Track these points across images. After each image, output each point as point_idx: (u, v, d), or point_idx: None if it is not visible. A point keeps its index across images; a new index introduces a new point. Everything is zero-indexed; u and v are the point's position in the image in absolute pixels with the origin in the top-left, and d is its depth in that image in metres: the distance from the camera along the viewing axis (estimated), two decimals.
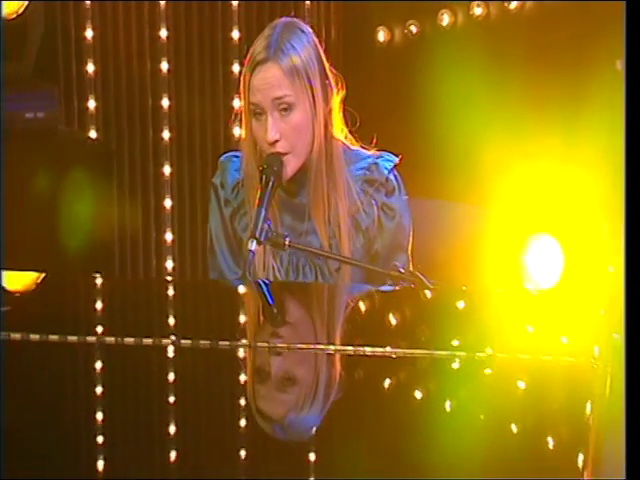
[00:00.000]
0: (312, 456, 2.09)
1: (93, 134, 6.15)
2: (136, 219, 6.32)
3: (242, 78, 3.52)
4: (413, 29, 6.86)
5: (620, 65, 6.05)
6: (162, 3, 6.24)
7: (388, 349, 2.64)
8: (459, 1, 6.89)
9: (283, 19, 3.62)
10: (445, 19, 6.85)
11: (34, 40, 5.82)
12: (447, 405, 2.39)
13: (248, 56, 3.49)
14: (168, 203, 6.29)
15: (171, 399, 2.53)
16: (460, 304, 3.48)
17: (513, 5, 6.61)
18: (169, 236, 6.35)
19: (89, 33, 6.16)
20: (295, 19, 3.69)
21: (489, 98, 5.97)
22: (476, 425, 2.19)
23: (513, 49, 6.42)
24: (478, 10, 6.61)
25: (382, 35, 6.95)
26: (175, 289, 4.27)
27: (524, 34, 6.58)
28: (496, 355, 2.68)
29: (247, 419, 2.38)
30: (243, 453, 2.13)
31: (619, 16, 6.12)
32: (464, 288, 3.79)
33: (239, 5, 6.37)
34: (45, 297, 3.85)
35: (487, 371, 2.67)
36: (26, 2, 5.71)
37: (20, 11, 5.67)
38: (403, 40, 6.96)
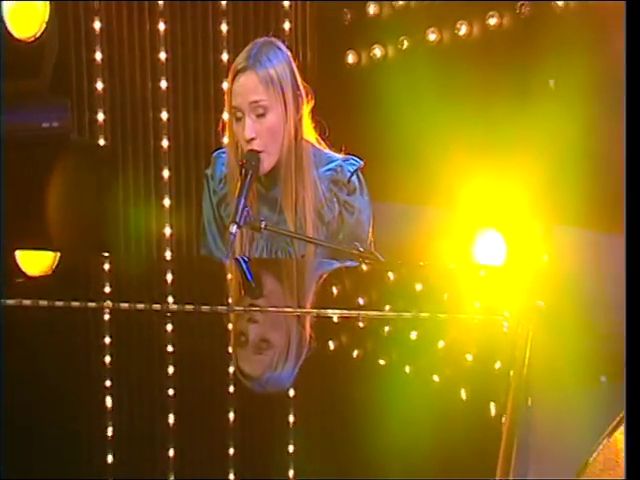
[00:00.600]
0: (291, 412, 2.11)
1: (102, 142, 6.29)
2: (139, 214, 6.54)
3: (227, 87, 3.66)
4: (377, 52, 7.14)
5: (552, 83, 6.27)
6: (162, 29, 6.44)
7: (344, 312, 2.76)
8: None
9: (264, 38, 3.77)
10: (404, 43, 7.06)
11: (50, 59, 5.91)
12: (390, 356, 2.58)
13: (232, 67, 3.62)
14: (167, 202, 6.51)
15: (170, 349, 2.68)
16: (416, 280, 3.54)
17: (462, 32, 6.93)
18: (167, 230, 6.54)
19: (98, 55, 6.30)
20: (273, 38, 3.81)
21: (441, 113, 6.06)
22: (408, 372, 2.41)
23: (462, 71, 6.59)
24: (432, 36, 6.92)
25: (351, 57, 7.20)
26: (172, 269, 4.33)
27: (473, 57, 6.80)
28: (435, 315, 2.75)
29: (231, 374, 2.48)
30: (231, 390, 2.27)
31: (557, 43, 6.38)
32: (422, 264, 3.95)
33: (228, 31, 6.61)
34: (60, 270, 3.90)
35: (437, 333, 2.71)
36: (44, 25, 5.80)
37: (38, 34, 5.77)
38: (369, 62, 7.18)
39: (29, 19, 5.82)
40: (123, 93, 6.38)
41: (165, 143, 6.40)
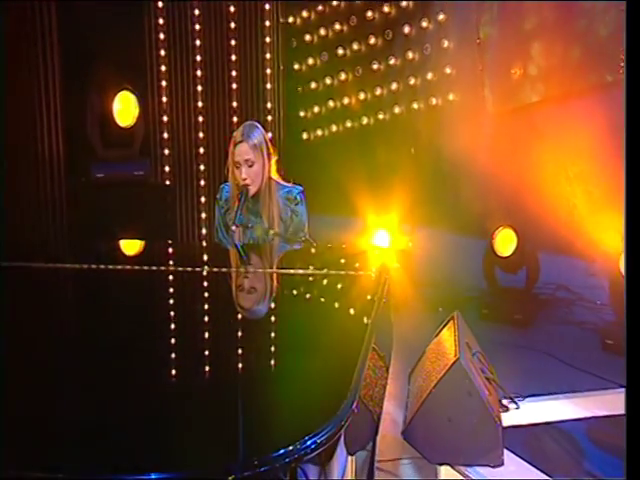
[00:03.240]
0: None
1: (167, 183, 6.74)
2: (187, 222, 6.85)
3: (230, 150, 3.62)
4: (319, 133, 7.39)
5: (413, 151, 6.79)
6: (200, 105, 6.70)
7: (299, 270, 2.98)
8: None
9: (249, 121, 3.77)
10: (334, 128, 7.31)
11: (139, 137, 6.05)
12: (314, 292, 2.79)
13: (232, 139, 3.62)
14: (203, 215, 6.87)
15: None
16: (330, 254, 3.63)
17: (380, 117, 7.22)
18: (204, 230, 6.87)
19: (165, 135, 6.68)
20: (255, 122, 3.78)
21: (349, 166, 6.36)
22: (323, 300, 2.66)
23: (372, 145, 6.93)
24: (359, 122, 7.18)
25: (305, 135, 7.49)
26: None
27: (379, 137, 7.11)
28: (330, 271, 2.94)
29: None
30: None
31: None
32: (344, 246, 4.01)
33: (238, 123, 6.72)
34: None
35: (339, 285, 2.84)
36: (135, 119, 5.98)
37: (132, 124, 5.96)
38: (318, 138, 7.45)
39: (128, 115, 5.95)
40: (179, 155, 6.75)
41: (202, 182, 6.84)
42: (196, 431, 1.54)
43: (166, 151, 6.61)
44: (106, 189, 5.79)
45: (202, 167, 6.71)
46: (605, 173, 5.20)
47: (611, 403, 3.89)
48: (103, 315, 2.48)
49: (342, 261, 3.37)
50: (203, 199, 6.72)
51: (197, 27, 6.54)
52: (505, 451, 3.17)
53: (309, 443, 1.40)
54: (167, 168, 6.62)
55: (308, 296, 2.76)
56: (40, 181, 5.47)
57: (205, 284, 2.94)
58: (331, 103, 7.21)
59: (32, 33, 5.49)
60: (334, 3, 6.99)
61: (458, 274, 6.45)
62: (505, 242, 6.20)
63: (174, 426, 1.59)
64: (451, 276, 6.45)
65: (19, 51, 5.48)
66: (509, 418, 3.52)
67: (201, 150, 6.70)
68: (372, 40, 6.90)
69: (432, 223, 6.64)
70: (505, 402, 3.61)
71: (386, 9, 6.68)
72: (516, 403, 3.65)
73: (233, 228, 3.65)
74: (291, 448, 1.37)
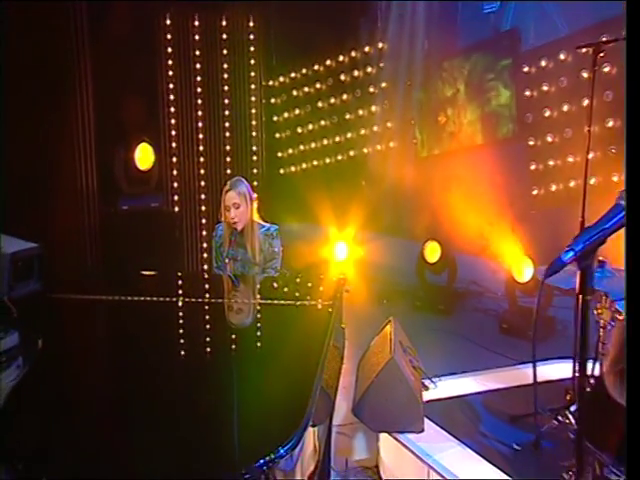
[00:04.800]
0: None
1: (176, 209, 6.60)
2: (192, 248, 6.70)
3: (222, 198, 3.48)
4: (292, 169, 7.34)
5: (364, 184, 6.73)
6: (201, 149, 6.59)
7: (275, 301, 2.85)
8: None
9: (236, 177, 3.63)
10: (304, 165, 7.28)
11: (154, 178, 6.03)
12: (278, 317, 2.66)
13: (224, 190, 3.49)
14: (204, 232, 6.65)
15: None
16: (292, 283, 3.36)
17: (339, 158, 7.18)
18: (204, 255, 6.60)
19: (175, 172, 6.61)
20: (241, 177, 3.61)
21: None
22: (287, 319, 2.60)
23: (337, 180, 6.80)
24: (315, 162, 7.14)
25: (282, 170, 7.43)
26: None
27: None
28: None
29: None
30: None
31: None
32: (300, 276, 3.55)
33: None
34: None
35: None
36: (152, 163, 5.88)
37: (149, 168, 5.89)
38: (291, 173, 7.39)
39: (146, 161, 5.88)
40: (185, 187, 6.64)
41: (203, 208, 6.73)
42: (191, 443, 1.53)
43: (175, 184, 6.56)
44: (130, 217, 5.77)
45: (203, 196, 6.65)
46: (501, 203, 5.41)
47: (501, 378, 3.94)
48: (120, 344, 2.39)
49: (309, 285, 3.25)
50: (204, 221, 6.63)
51: (199, 90, 6.50)
52: (425, 420, 3.32)
53: (282, 452, 1.48)
54: (176, 197, 6.56)
55: (273, 321, 2.68)
56: (78, 213, 5.40)
57: (202, 313, 2.79)
58: (302, 147, 7.36)
59: (72, 92, 5.38)
60: (303, 71, 7.15)
61: (398, 274, 6.50)
62: (432, 251, 6.32)
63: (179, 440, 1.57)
64: (392, 276, 6.49)
65: (62, 105, 5.34)
66: (429, 394, 3.66)
67: (202, 183, 6.65)
68: (332, 100, 7.06)
69: (379, 235, 6.60)
70: (426, 383, 3.74)
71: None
72: (434, 383, 3.80)
73: (226, 260, 3.55)
74: (270, 457, 1.44)
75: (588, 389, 2.48)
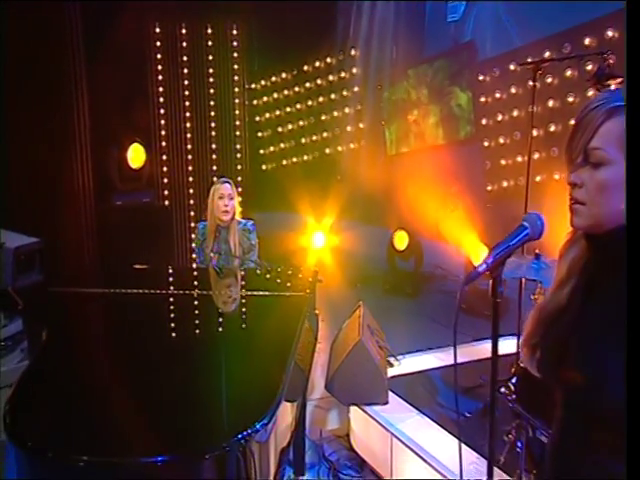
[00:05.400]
0: None
1: (167, 203, 6.54)
2: (181, 240, 6.59)
3: (214, 188, 3.47)
4: (264, 167, 7.32)
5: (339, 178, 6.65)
6: (189, 147, 6.54)
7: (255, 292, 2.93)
8: None
9: (223, 177, 3.62)
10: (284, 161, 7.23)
11: (145, 175, 5.99)
12: (261, 305, 2.75)
13: (219, 182, 3.48)
14: (192, 224, 6.42)
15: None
16: (272, 275, 3.37)
17: (305, 158, 7.18)
18: (193, 245, 6.28)
19: (165, 169, 6.57)
20: (227, 178, 3.59)
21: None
22: (268, 308, 2.66)
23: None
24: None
25: (264, 166, 7.34)
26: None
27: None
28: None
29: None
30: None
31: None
32: (279, 268, 3.51)
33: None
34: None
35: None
36: (143, 162, 5.87)
37: (141, 166, 5.86)
38: (273, 169, 7.37)
39: (138, 160, 5.86)
40: (174, 183, 6.57)
41: (192, 201, 6.66)
42: (180, 419, 1.61)
43: (165, 180, 6.53)
44: (124, 212, 5.75)
45: (191, 191, 6.62)
46: (461, 196, 5.52)
47: (458, 354, 4.00)
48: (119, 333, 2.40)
49: (286, 277, 3.30)
50: (192, 213, 6.60)
51: (186, 93, 6.47)
52: (390, 393, 3.39)
53: (258, 426, 1.60)
54: (166, 192, 6.53)
55: (256, 309, 2.74)
56: (76, 209, 5.37)
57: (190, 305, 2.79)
58: (282, 145, 7.39)
59: (69, 97, 5.33)
60: (283, 75, 7.16)
61: (370, 261, 6.57)
62: (400, 240, 6.45)
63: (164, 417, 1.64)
64: (365, 262, 6.56)
65: (59, 109, 5.30)
66: (393, 371, 3.74)
67: (190, 179, 6.63)
68: (309, 102, 7.09)
69: (352, 225, 6.65)
70: (391, 360, 3.83)
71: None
72: (398, 360, 3.89)
73: (211, 255, 3.52)
74: (247, 432, 1.55)
75: (521, 364, 2.61)
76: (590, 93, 4.13)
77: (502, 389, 3.04)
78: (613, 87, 2.67)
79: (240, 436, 1.56)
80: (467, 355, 3.83)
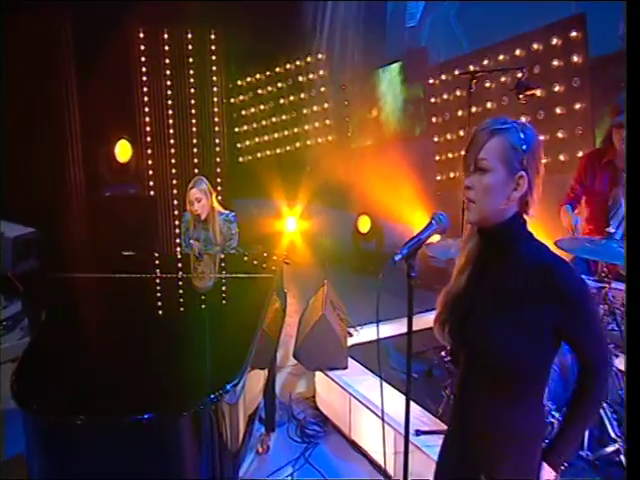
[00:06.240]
0: None
1: (152, 193, 6.50)
2: (166, 227, 6.57)
3: (187, 194, 3.46)
4: (252, 157, 7.25)
5: (308, 169, 6.64)
6: (172, 142, 6.52)
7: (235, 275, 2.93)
8: None
9: (198, 177, 3.56)
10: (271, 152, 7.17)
11: (132, 168, 5.97)
12: (238, 286, 2.73)
13: (188, 188, 3.46)
14: (176, 212, 6.50)
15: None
16: (248, 258, 3.37)
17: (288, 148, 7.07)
18: (177, 230, 5.92)
19: (150, 162, 6.51)
20: (202, 176, 3.57)
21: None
22: (244, 288, 2.63)
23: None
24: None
25: (240, 159, 7.22)
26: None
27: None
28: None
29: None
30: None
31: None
32: (253, 251, 3.51)
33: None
34: None
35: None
36: (129, 157, 5.85)
37: (128, 160, 5.87)
38: (248, 161, 7.21)
39: (125, 154, 5.89)
40: (159, 175, 6.58)
41: (175, 192, 6.64)
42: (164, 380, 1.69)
43: (150, 173, 6.49)
44: (112, 202, 5.74)
45: (174, 182, 6.57)
46: (415, 185, 5.63)
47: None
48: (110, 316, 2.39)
49: (257, 259, 3.32)
50: (175, 202, 6.57)
51: (169, 92, 6.46)
52: (349, 360, 3.47)
53: (228, 387, 1.71)
54: (151, 183, 6.49)
55: (234, 289, 2.75)
56: (69, 200, 5.44)
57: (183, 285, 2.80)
58: (257, 139, 7.34)
59: (61, 98, 5.40)
60: (257, 76, 7.12)
61: (337, 243, 6.66)
62: (363, 223, 6.59)
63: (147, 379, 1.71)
64: (332, 244, 6.63)
65: (52, 110, 5.37)
66: (353, 340, 3.79)
67: (173, 171, 6.58)
68: (281, 100, 7.07)
69: (321, 211, 6.68)
70: (351, 331, 3.89)
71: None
72: (357, 331, 3.94)
73: (192, 242, 3.52)
74: (218, 392, 1.65)
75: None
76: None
77: (443, 353, 3.22)
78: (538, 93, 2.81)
79: (212, 396, 1.66)
80: (416, 324, 3.99)
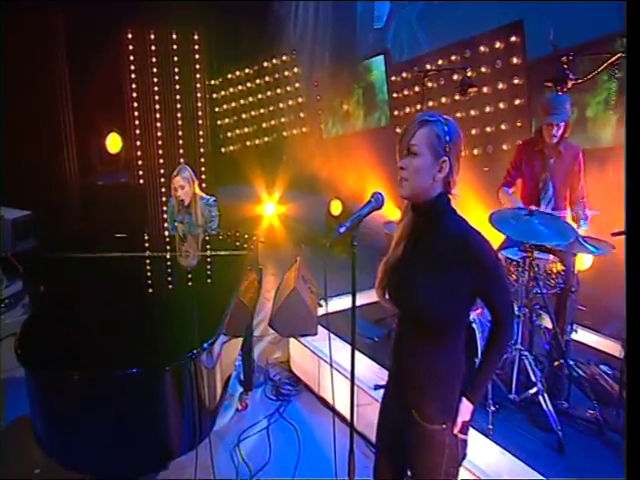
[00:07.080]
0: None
1: (141, 181, 6.38)
2: (154, 212, 6.47)
3: (172, 181, 3.38)
4: (234, 148, 7.13)
5: (284, 158, 6.57)
6: (159, 135, 6.36)
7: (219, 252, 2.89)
8: None
9: (182, 165, 3.46)
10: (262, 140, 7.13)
11: (122, 159, 5.95)
12: (220, 262, 2.67)
13: (173, 175, 3.37)
14: (164, 199, 6.39)
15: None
16: (229, 237, 3.33)
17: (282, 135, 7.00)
18: (164, 215, 6.18)
19: (139, 153, 6.40)
20: (185, 165, 3.46)
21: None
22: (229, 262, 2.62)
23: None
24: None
25: (222, 149, 7.09)
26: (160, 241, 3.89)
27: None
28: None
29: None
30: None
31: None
32: (229, 233, 3.40)
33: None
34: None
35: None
36: (119, 148, 5.91)
37: (118, 151, 5.89)
38: (230, 151, 7.09)
39: (115, 146, 5.89)
40: (147, 165, 6.39)
41: (162, 180, 6.45)
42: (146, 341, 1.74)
43: (139, 162, 6.38)
44: (104, 190, 5.71)
45: (162, 171, 6.45)
46: (380, 172, 5.67)
47: (373, 295, 3.77)
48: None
49: (235, 239, 3.28)
50: (163, 189, 6.48)
51: (156, 89, 6.33)
52: (319, 327, 3.53)
53: (205, 345, 1.78)
54: (140, 172, 6.39)
55: (217, 266, 2.73)
56: (64, 187, 5.38)
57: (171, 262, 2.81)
58: (237, 131, 7.30)
59: (55, 94, 5.36)
60: (237, 73, 7.08)
61: (312, 224, 6.66)
62: (336, 207, 6.55)
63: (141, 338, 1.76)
64: (307, 226, 6.63)
65: (47, 104, 5.33)
66: (322, 310, 3.80)
67: (161, 161, 6.46)
68: (259, 96, 7.03)
69: (297, 196, 6.68)
70: (321, 302, 3.91)
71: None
72: (326, 301, 3.92)
73: (176, 224, 3.47)
74: (196, 350, 1.73)
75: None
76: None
77: None
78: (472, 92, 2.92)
79: (191, 353, 1.74)
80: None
